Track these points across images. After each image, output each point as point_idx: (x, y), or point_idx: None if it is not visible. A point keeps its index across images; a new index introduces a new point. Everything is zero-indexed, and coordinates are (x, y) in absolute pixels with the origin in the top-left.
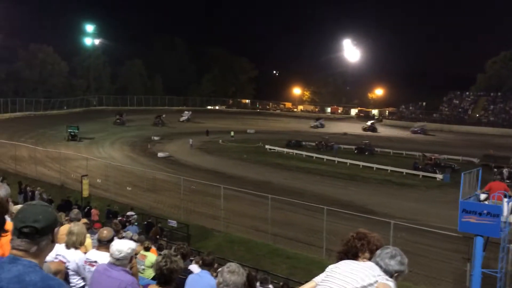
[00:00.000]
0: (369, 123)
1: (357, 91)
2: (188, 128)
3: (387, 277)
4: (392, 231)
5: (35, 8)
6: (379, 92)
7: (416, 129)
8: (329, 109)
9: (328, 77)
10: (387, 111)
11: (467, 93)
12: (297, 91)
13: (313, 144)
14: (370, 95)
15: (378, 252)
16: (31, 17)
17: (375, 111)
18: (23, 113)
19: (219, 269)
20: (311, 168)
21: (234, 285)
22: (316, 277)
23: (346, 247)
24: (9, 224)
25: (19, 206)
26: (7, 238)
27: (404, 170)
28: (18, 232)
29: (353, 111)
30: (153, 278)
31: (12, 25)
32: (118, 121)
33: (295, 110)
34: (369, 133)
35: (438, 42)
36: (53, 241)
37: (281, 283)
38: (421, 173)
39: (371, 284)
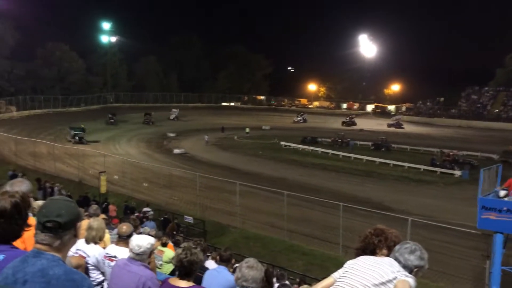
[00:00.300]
0: (394, 119)
1: (373, 87)
2: (203, 124)
3: (406, 272)
4: (410, 228)
5: (52, 7)
6: (395, 87)
7: (392, 123)
8: (345, 105)
9: (344, 73)
10: (404, 107)
11: (486, 88)
12: (312, 87)
13: (329, 140)
14: (386, 91)
15: (397, 247)
16: (48, 16)
17: (391, 107)
18: (42, 110)
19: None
20: (327, 165)
21: (253, 280)
22: (334, 273)
23: (364, 244)
24: (31, 219)
25: (39, 202)
26: (29, 232)
27: (422, 167)
28: (42, 227)
29: (369, 107)
30: (171, 273)
31: (30, 24)
32: (112, 121)
33: (311, 106)
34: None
35: (457, 37)
36: (76, 236)
37: (297, 280)
38: (439, 170)
39: (390, 280)
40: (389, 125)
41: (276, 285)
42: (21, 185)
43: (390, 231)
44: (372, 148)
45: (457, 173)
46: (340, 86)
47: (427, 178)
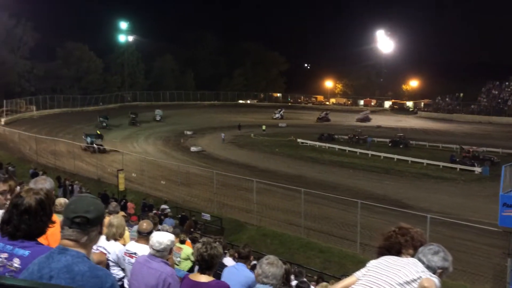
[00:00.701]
0: (363, 113)
1: (391, 83)
2: (220, 122)
3: (430, 273)
4: (429, 226)
5: (71, 7)
6: (414, 83)
7: (360, 117)
8: (362, 102)
9: (361, 69)
10: (422, 103)
11: (507, 83)
12: (329, 84)
13: (346, 137)
14: (404, 87)
15: (420, 248)
16: (67, 16)
17: (409, 103)
18: (61, 109)
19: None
20: (344, 162)
21: (273, 276)
22: (356, 272)
23: (389, 243)
24: (54, 216)
25: (61, 200)
26: (52, 229)
27: (441, 163)
28: (70, 222)
29: (387, 104)
30: (189, 270)
31: (49, 24)
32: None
33: (327, 103)
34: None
35: (477, 31)
36: (101, 233)
37: (315, 277)
38: (458, 166)
39: (414, 280)
40: (358, 120)
41: (294, 282)
42: (44, 183)
43: (415, 230)
44: (390, 145)
45: (477, 169)
46: (357, 82)
47: (446, 175)
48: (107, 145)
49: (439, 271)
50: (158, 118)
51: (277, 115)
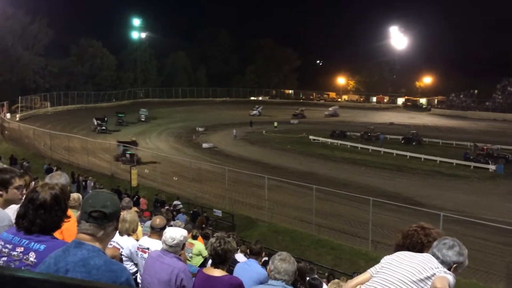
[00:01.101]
0: (331, 109)
1: (404, 79)
2: (231, 118)
3: (445, 269)
4: (442, 224)
5: (85, 4)
6: (427, 80)
7: (328, 113)
8: (374, 99)
9: (374, 65)
10: (436, 100)
11: None
12: (341, 80)
13: (358, 134)
14: (418, 84)
15: (435, 243)
16: (80, 13)
17: (423, 100)
18: (75, 105)
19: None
20: (356, 159)
21: (285, 272)
22: (370, 268)
23: (410, 241)
24: (70, 211)
25: (75, 195)
26: (67, 224)
27: (454, 161)
28: (87, 216)
29: (400, 100)
30: (200, 266)
31: (63, 21)
32: (143, 119)
33: (339, 100)
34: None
35: (492, 26)
36: (116, 228)
37: (326, 274)
38: (472, 164)
39: (428, 277)
40: (327, 115)
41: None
42: (60, 178)
43: (436, 230)
44: (403, 142)
45: (492, 167)
46: (369, 79)
47: (460, 173)
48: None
49: (454, 265)
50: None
51: (254, 112)
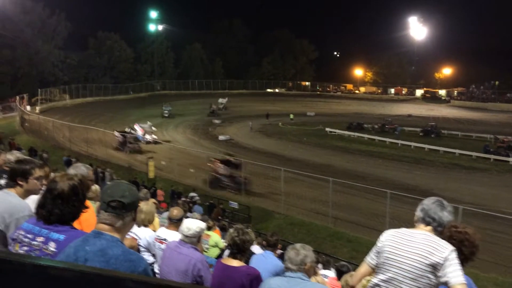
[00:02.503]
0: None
1: (423, 71)
2: (248, 111)
3: (451, 248)
4: (461, 217)
5: None
6: (447, 71)
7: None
8: (392, 90)
9: (392, 57)
10: (455, 91)
11: None
12: (358, 72)
13: (376, 126)
14: (437, 75)
15: (425, 207)
16: (99, 5)
17: (442, 92)
18: (93, 98)
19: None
20: (373, 151)
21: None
22: (367, 257)
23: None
24: (88, 202)
25: (93, 186)
26: (86, 215)
27: (474, 154)
28: (106, 206)
29: (419, 92)
30: (217, 257)
31: (82, 14)
32: (166, 115)
33: (357, 92)
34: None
35: None
36: (135, 219)
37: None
38: (492, 157)
39: (439, 263)
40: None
41: (322, 271)
42: (80, 169)
43: (466, 230)
44: (421, 134)
45: None
46: (387, 70)
47: (479, 166)
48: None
49: (447, 225)
50: (166, 114)
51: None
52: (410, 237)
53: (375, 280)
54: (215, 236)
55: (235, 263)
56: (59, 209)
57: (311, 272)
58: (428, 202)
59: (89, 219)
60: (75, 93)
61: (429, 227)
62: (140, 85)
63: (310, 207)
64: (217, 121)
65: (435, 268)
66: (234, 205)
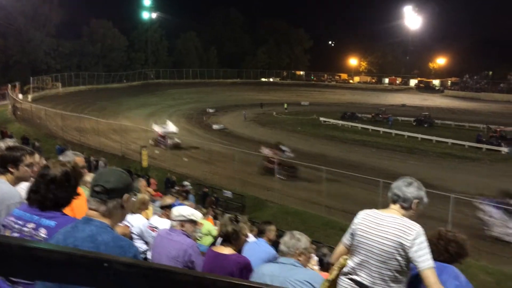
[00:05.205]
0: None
1: (417, 60)
2: (242, 100)
3: (416, 228)
4: (452, 206)
5: None
6: (441, 61)
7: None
8: (386, 80)
9: (386, 46)
10: (449, 81)
11: None
12: (353, 61)
13: (369, 116)
14: (431, 65)
15: (392, 185)
16: None
17: (436, 82)
18: (86, 86)
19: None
20: (367, 141)
21: (294, 248)
22: (343, 237)
23: (435, 248)
24: (80, 189)
25: (90, 175)
26: (78, 202)
27: (466, 143)
28: (92, 191)
29: (413, 82)
30: (210, 246)
31: (74, 2)
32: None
33: (351, 81)
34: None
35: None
36: (123, 207)
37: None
38: (485, 146)
39: (409, 240)
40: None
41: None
42: (71, 157)
43: (454, 234)
44: (415, 124)
45: (504, 150)
46: (382, 60)
47: (472, 155)
48: (129, 121)
49: (416, 201)
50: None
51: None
52: (380, 219)
53: (350, 263)
54: (208, 225)
55: (226, 251)
56: (52, 194)
57: (304, 260)
58: (396, 181)
59: (82, 206)
60: (68, 81)
61: (396, 205)
62: (134, 74)
63: (304, 196)
64: (211, 110)
65: (403, 250)
66: (228, 194)
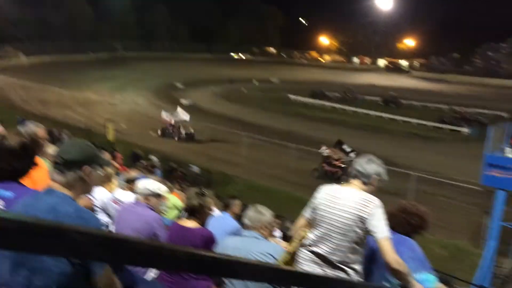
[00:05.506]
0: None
1: (387, 41)
2: (212, 75)
3: (374, 201)
4: (414, 184)
5: None
6: (410, 42)
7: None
8: (356, 60)
9: (357, 26)
10: (417, 62)
11: (503, 44)
12: (324, 40)
13: (338, 95)
14: (400, 46)
15: (354, 162)
16: None
17: (404, 62)
18: (50, 57)
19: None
20: (335, 119)
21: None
22: (304, 211)
23: (396, 221)
24: (39, 160)
25: (52, 148)
26: (39, 174)
27: (430, 123)
28: (53, 162)
29: (382, 62)
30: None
31: None
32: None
33: (322, 60)
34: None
35: None
36: (84, 181)
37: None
38: (447, 127)
39: (367, 212)
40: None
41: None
42: (33, 128)
43: (417, 207)
44: (382, 103)
45: (466, 130)
46: (353, 40)
47: (435, 135)
48: (96, 94)
49: (376, 177)
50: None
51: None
52: (340, 194)
53: (311, 236)
54: (174, 199)
55: (191, 224)
56: (9, 164)
57: (267, 233)
58: (358, 158)
59: (43, 178)
60: (31, 52)
61: (357, 181)
62: (100, 46)
63: (270, 172)
64: (180, 85)
65: (362, 222)
66: (195, 169)
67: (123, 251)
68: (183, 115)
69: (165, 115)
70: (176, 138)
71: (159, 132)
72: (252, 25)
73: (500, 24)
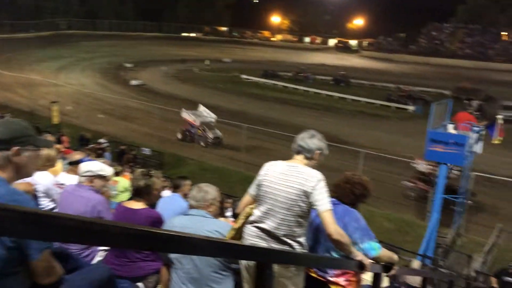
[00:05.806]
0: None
1: (337, 20)
2: (162, 55)
3: (317, 176)
4: (362, 160)
5: None
6: (359, 22)
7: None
8: (307, 39)
9: (308, 5)
10: (365, 42)
11: (446, 25)
12: (276, 19)
13: (290, 74)
14: (350, 25)
15: (298, 136)
16: None
17: (353, 42)
18: None
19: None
20: (287, 99)
21: (203, 200)
22: (249, 188)
23: (342, 192)
24: None
25: None
26: None
27: (378, 102)
28: None
29: (332, 42)
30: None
31: None
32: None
33: (273, 39)
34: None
35: None
36: (15, 162)
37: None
38: (394, 105)
39: (310, 186)
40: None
41: (229, 213)
42: None
43: (358, 176)
44: (332, 83)
45: (411, 108)
46: (303, 19)
47: (382, 113)
48: (40, 75)
49: (318, 152)
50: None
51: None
52: (284, 170)
53: (257, 212)
54: (123, 181)
55: (137, 205)
56: None
57: (214, 211)
58: (300, 134)
59: None
60: None
61: (300, 156)
62: (42, 23)
63: (223, 153)
64: (128, 65)
65: (305, 196)
66: (146, 151)
67: (53, 228)
68: (208, 114)
69: (186, 115)
70: (202, 143)
71: (178, 135)
72: (202, 3)
73: (444, 4)
